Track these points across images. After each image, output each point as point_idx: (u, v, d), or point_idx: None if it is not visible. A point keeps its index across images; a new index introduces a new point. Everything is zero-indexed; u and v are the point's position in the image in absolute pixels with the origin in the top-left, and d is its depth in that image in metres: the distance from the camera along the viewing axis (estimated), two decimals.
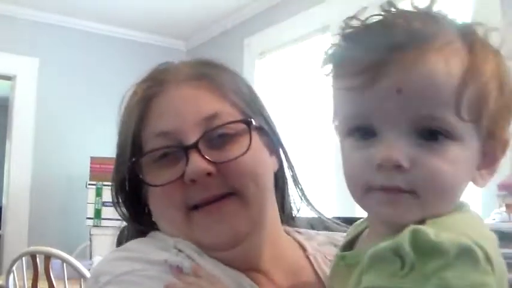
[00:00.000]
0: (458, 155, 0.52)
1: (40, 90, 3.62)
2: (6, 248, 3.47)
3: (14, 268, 2.34)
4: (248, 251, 0.74)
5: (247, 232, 0.73)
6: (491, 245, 0.51)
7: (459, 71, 0.51)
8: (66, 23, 3.73)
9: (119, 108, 0.83)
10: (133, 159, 0.76)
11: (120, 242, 0.82)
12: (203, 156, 0.71)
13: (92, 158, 3.30)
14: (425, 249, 0.47)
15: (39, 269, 2.28)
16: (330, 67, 0.58)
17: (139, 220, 0.82)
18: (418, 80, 0.51)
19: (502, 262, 0.52)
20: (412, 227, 0.49)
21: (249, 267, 0.75)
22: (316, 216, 0.90)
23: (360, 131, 0.55)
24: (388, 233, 0.53)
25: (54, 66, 3.68)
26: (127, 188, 0.81)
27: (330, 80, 0.59)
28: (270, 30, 3.32)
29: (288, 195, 0.87)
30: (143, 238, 0.78)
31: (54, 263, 2.25)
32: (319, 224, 0.90)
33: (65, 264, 2.18)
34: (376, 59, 0.52)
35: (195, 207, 0.72)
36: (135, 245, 0.75)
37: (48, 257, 2.22)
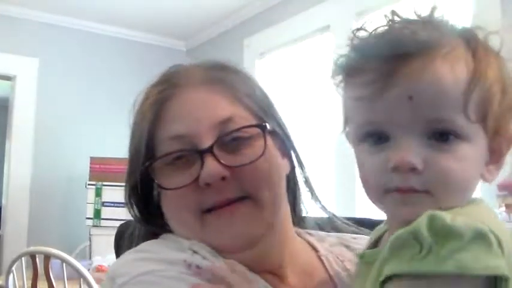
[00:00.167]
0: (467, 154, 0.55)
1: (40, 90, 3.62)
2: (6, 248, 3.47)
3: (13, 268, 2.33)
4: (262, 253, 0.74)
5: (260, 234, 0.73)
6: (504, 233, 0.52)
7: (465, 76, 0.55)
8: (66, 23, 3.73)
9: (131, 111, 0.82)
10: (148, 163, 0.76)
11: (130, 243, 0.81)
12: (218, 160, 0.72)
13: (91, 158, 3.30)
14: (442, 233, 0.50)
15: (38, 269, 2.27)
16: (340, 77, 0.61)
17: (151, 222, 0.81)
18: (428, 86, 0.54)
19: None
20: (428, 212, 0.51)
21: (262, 269, 0.75)
22: (323, 216, 0.90)
23: (373, 136, 0.58)
24: None
25: (54, 66, 3.68)
26: (139, 191, 0.80)
27: (340, 89, 0.62)
28: (270, 30, 3.32)
29: (300, 197, 0.87)
30: (157, 240, 0.78)
31: (54, 263, 2.25)
32: (326, 224, 0.90)
33: (64, 264, 2.17)
34: (386, 69, 0.55)
35: (208, 210, 0.73)
36: (150, 246, 0.75)
37: (47, 257, 2.22)
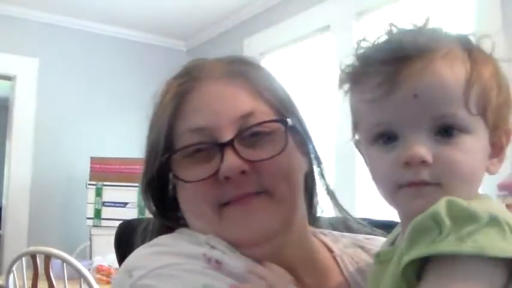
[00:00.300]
0: (472, 146, 0.60)
1: (40, 90, 3.62)
2: (6, 248, 3.47)
3: (14, 268, 2.34)
4: (278, 249, 0.74)
5: (277, 229, 0.73)
6: None
7: (463, 73, 0.59)
8: (66, 23, 3.73)
9: (150, 104, 0.82)
10: (167, 155, 0.76)
11: (144, 238, 0.80)
12: (238, 154, 0.72)
13: (91, 158, 3.30)
14: (460, 216, 0.53)
15: (39, 269, 2.28)
16: (348, 85, 0.65)
17: (166, 216, 0.81)
18: (430, 84, 0.58)
19: None
20: (446, 197, 0.55)
21: (279, 265, 0.74)
22: (337, 215, 0.89)
23: (383, 137, 0.61)
24: None
25: (54, 67, 3.68)
26: (156, 183, 0.80)
27: (348, 96, 0.66)
28: (270, 30, 3.32)
29: (316, 197, 0.86)
30: (172, 234, 0.77)
31: (54, 263, 2.25)
32: (340, 224, 0.90)
33: (65, 264, 2.18)
34: (390, 71, 0.59)
35: (226, 204, 0.73)
36: (167, 239, 0.75)
37: (48, 257, 2.22)
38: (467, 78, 0.59)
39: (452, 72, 0.59)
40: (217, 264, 0.68)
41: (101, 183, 3.23)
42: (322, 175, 0.85)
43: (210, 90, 0.77)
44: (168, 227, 0.80)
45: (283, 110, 0.79)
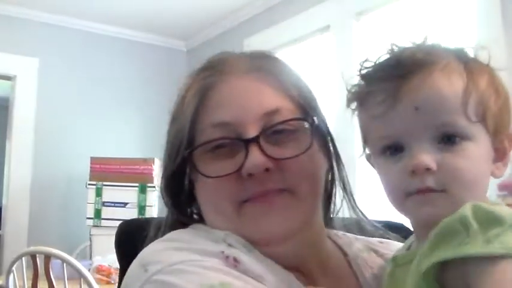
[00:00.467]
0: (473, 152, 0.62)
1: (40, 90, 3.62)
2: (6, 248, 3.47)
3: (14, 268, 2.34)
4: (296, 249, 0.74)
5: (297, 228, 0.73)
6: None
7: (460, 83, 0.62)
8: (66, 23, 3.73)
9: (174, 98, 0.81)
10: (191, 149, 0.74)
11: (156, 233, 0.79)
12: (263, 151, 0.71)
13: (92, 158, 3.30)
14: (486, 219, 0.55)
15: (39, 269, 2.27)
16: (355, 104, 0.69)
17: (180, 211, 0.80)
18: (429, 96, 0.61)
19: None
20: (470, 202, 0.57)
21: (294, 266, 0.74)
22: (350, 216, 0.88)
23: (390, 149, 0.65)
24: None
25: (54, 67, 3.68)
26: (176, 179, 0.79)
27: (356, 113, 0.69)
28: (270, 30, 3.32)
29: (334, 197, 0.85)
30: (186, 229, 0.76)
31: (54, 263, 2.25)
32: (353, 225, 0.89)
33: (65, 264, 2.18)
34: (392, 87, 0.63)
35: (246, 201, 0.72)
36: (182, 235, 0.73)
37: (48, 257, 2.22)
38: (464, 88, 0.62)
39: (449, 84, 0.62)
40: (235, 263, 0.67)
41: (101, 183, 3.23)
42: (341, 175, 0.84)
43: (235, 85, 0.75)
44: (181, 222, 0.79)
45: (308, 108, 0.78)
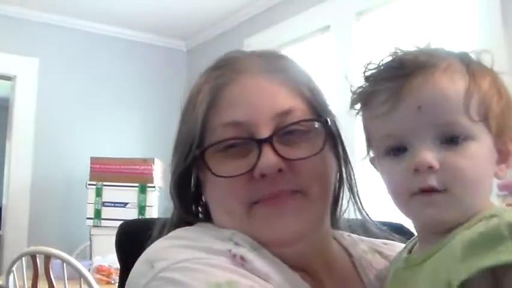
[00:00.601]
0: (476, 151, 0.62)
1: (40, 90, 3.62)
2: (6, 248, 3.47)
3: (14, 268, 2.34)
4: (304, 250, 0.74)
5: (308, 230, 0.72)
6: None
7: (462, 83, 0.63)
8: (66, 23, 3.73)
9: (185, 96, 0.80)
10: (203, 148, 0.74)
11: (161, 231, 0.78)
12: (276, 152, 0.70)
13: (91, 158, 3.30)
14: None
15: (39, 269, 2.28)
16: (359, 105, 0.69)
17: (188, 210, 0.80)
18: (432, 96, 0.62)
19: None
20: (505, 219, 0.56)
21: (300, 267, 0.74)
22: (356, 217, 0.88)
23: (394, 149, 0.65)
24: (435, 238, 0.63)
25: (54, 67, 3.68)
26: (184, 177, 0.78)
27: (360, 114, 0.70)
28: (270, 30, 3.32)
29: (342, 199, 0.85)
30: (194, 227, 0.76)
31: (54, 263, 2.25)
32: (358, 226, 0.89)
33: (65, 265, 2.18)
34: (394, 87, 0.63)
35: (257, 201, 0.71)
36: (189, 233, 0.73)
37: (48, 257, 2.22)
38: (466, 89, 0.62)
39: (451, 84, 0.62)
40: (242, 261, 0.67)
41: (101, 183, 3.23)
42: (350, 177, 0.84)
43: (248, 84, 0.75)
44: (186, 221, 0.78)
45: (320, 109, 0.78)
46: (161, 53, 4.09)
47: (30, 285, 2.30)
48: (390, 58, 0.67)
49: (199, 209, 0.82)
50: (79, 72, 3.76)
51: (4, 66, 3.59)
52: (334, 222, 0.86)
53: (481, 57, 0.67)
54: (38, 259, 2.28)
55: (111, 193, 3.22)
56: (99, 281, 2.47)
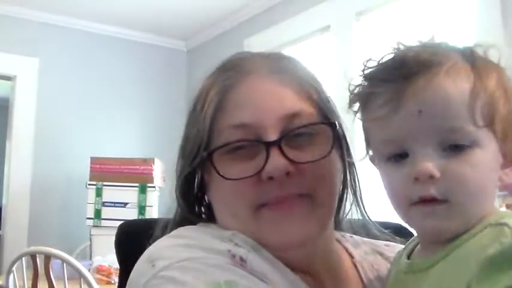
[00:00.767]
0: (480, 159, 0.59)
1: (40, 90, 3.62)
2: (6, 248, 3.47)
3: (14, 268, 2.34)
4: (308, 253, 0.74)
5: (314, 235, 0.72)
6: None
7: (467, 85, 0.59)
8: (66, 23, 3.73)
9: (191, 98, 0.80)
10: (211, 150, 0.73)
11: (163, 231, 0.78)
12: (284, 155, 0.70)
13: (92, 158, 3.30)
14: None
15: (39, 269, 2.28)
16: (357, 105, 0.66)
17: (191, 210, 0.80)
18: (434, 99, 0.58)
19: None
20: None
21: (302, 268, 0.74)
22: (358, 218, 0.88)
23: (394, 155, 0.62)
24: (438, 245, 0.61)
25: (54, 67, 3.68)
26: (190, 180, 0.79)
27: (359, 115, 0.67)
28: (270, 30, 3.32)
29: (345, 201, 0.85)
30: (196, 227, 0.76)
31: (54, 263, 2.25)
32: (361, 228, 0.89)
33: (65, 265, 2.18)
34: (395, 90, 0.60)
35: (264, 205, 0.71)
36: (190, 232, 0.73)
37: (48, 257, 2.22)
38: (471, 91, 0.59)
39: (455, 86, 0.59)
40: (242, 262, 0.67)
41: (101, 183, 3.23)
42: (354, 180, 0.84)
43: (256, 86, 0.75)
44: (189, 221, 0.78)
45: (327, 112, 0.77)
46: (161, 53, 4.09)
47: (30, 285, 2.30)
48: (391, 56, 0.64)
49: (202, 209, 0.82)
50: (79, 72, 3.76)
51: (4, 66, 3.59)
52: (337, 224, 0.86)
53: (486, 52, 0.63)
54: (38, 259, 2.28)
55: (111, 193, 3.22)
56: (99, 281, 2.47)
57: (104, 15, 3.71)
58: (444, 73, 0.59)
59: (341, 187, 0.82)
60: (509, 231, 0.55)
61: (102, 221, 3.18)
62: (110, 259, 2.64)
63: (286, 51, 3.18)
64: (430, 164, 0.58)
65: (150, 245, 0.73)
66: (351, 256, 0.83)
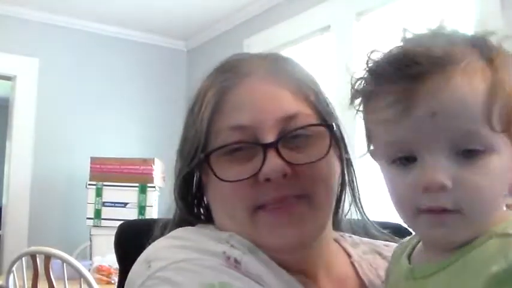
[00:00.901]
0: (496, 166, 0.55)
1: (40, 90, 3.62)
2: (6, 248, 3.47)
3: (14, 268, 2.34)
4: (305, 255, 0.74)
5: (312, 237, 0.72)
6: None
7: (484, 87, 0.55)
8: (66, 23, 3.73)
9: (189, 99, 0.80)
10: (209, 152, 0.73)
11: (163, 232, 0.79)
12: (281, 156, 0.70)
13: (92, 158, 3.30)
14: None
15: (39, 269, 2.28)
16: (359, 101, 0.62)
17: (190, 211, 0.80)
18: (449, 102, 0.54)
19: None
20: None
21: (299, 270, 0.74)
22: (358, 218, 0.88)
23: (401, 158, 0.58)
24: (444, 250, 0.58)
25: (54, 67, 3.68)
26: (189, 180, 0.79)
27: (361, 112, 0.62)
28: (271, 30, 3.32)
29: (344, 201, 0.85)
30: (193, 228, 0.76)
31: (54, 263, 2.25)
32: (360, 228, 0.89)
33: (65, 265, 2.18)
34: (406, 89, 0.55)
35: (261, 207, 0.71)
36: (188, 234, 0.73)
37: (48, 257, 2.22)
38: (488, 92, 0.55)
39: (472, 87, 0.54)
40: (236, 264, 0.67)
41: (101, 183, 3.23)
42: (352, 180, 0.84)
43: (254, 88, 0.74)
44: (188, 222, 0.78)
45: (324, 113, 0.77)
46: (161, 53, 4.09)
47: (30, 285, 2.30)
48: (399, 48, 0.58)
49: (202, 210, 0.82)
50: (79, 72, 3.76)
51: (4, 66, 3.59)
52: (336, 224, 0.86)
53: (502, 43, 0.58)
54: (38, 259, 2.28)
55: (111, 193, 3.22)
56: (99, 281, 2.47)
57: (104, 15, 3.71)
58: (460, 72, 0.54)
59: (339, 187, 0.82)
60: None
61: (102, 221, 3.18)
62: (110, 259, 2.64)
63: (287, 51, 3.18)
64: (442, 173, 0.54)
65: (149, 244, 0.73)
66: (349, 256, 0.83)
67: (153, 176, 3.26)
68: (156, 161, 3.31)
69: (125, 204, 3.21)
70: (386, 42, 0.62)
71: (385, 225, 0.91)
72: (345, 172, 0.82)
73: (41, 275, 2.27)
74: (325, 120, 0.76)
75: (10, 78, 3.65)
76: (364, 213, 0.86)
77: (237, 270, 0.67)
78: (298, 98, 0.75)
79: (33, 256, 2.28)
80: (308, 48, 3.12)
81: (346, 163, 0.82)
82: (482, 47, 0.57)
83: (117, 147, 3.71)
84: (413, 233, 0.69)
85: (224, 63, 0.80)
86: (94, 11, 3.65)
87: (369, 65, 0.60)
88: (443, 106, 0.54)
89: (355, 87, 0.62)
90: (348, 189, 0.84)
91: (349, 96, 0.63)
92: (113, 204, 3.21)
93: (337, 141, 0.79)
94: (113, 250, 0.98)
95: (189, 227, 0.76)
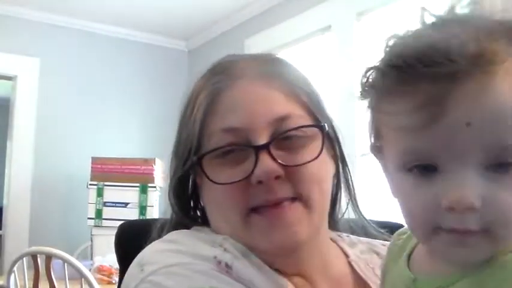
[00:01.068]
0: None
1: (41, 90, 3.62)
2: (7, 248, 3.48)
3: (15, 268, 2.34)
4: (300, 257, 0.74)
5: (307, 240, 0.72)
6: None
7: None
8: (67, 23, 3.73)
9: (181, 102, 0.80)
10: (201, 155, 0.73)
11: (160, 234, 0.79)
12: (274, 158, 0.69)
13: (93, 158, 3.30)
14: None
15: (40, 269, 2.28)
16: (373, 99, 0.53)
17: (186, 213, 0.80)
18: (489, 109, 0.46)
19: None
20: None
21: (295, 272, 0.74)
22: (356, 218, 0.88)
23: (418, 167, 0.50)
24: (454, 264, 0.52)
25: (55, 66, 3.68)
26: (182, 181, 0.79)
27: (370, 108, 0.54)
28: (271, 30, 3.32)
29: (340, 201, 0.85)
30: (188, 231, 0.76)
31: (55, 263, 2.25)
32: (359, 228, 0.89)
33: (66, 265, 2.18)
34: (437, 91, 0.46)
35: (254, 209, 0.70)
36: (182, 237, 0.73)
37: (49, 257, 2.22)
38: None
39: None
40: (227, 268, 0.67)
41: (102, 183, 3.23)
42: (347, 179, 0.84)
43: (246, 90, 0.74)
44: (184, 224, 0.79)
45: (317, 114, 0.77)
46: (162, 53, 4.09)
47: (31, 285, 2.30)
48: (426, 39, 0.48)
49: (198, 212, 0.82)
50: (80, 72, 3.76)
51: (5, 66, 3.59)
52: (333, 224, 0.86)
53: None
54: (39, 259, 2.28)
55: (112, 193, 3.22)
56: (100, 281, 2.47)
57: (104, 16, 3.72)
58: (502, 73, 0.46)
59: (335, 187, 0.82)
60: None
61: (103, 221, 3.19)
62: (110, 259, 2.64)
63: (287, 52, 3.19)
64: (471, 191, 0.47)
65: (146, 246, 0.73)
66: (347, 256, 0.83)
67: (154, 176, 3.27)
68: (157, 161, 3.31)
69: (125, 204, 3.21)
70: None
71: (385, 225, 0.91)
72: (340, 172, 0.82)
73: (42, 275, 2.27)
74: (318, 120, 0.76)
75: (11, 78, 3.66)
76: (361, 213, 0.86)
77: (228, 275, 0.67)
78: (290, 99, 0.75)
79: (34, 256, 2.28)
80: (309, 48, 3.12)
81: (341, 162, 0.82)
82: None
83: (118, 147, 3.71)
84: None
85: (216, 64, 0.80)
86: (94, 11, 3.65)
87: (388, 55, 0.50)
88: (481, 115, 0.46)
89: (369, 79, 0.53)
90: (343, 188, 0.84)
91: (360, 89, 0.54)
92: (113, 204, 3.21)
93: (331, 142, 0.79)
94: (114, 250, 0.98)
95: (184, 230, 0.76)
